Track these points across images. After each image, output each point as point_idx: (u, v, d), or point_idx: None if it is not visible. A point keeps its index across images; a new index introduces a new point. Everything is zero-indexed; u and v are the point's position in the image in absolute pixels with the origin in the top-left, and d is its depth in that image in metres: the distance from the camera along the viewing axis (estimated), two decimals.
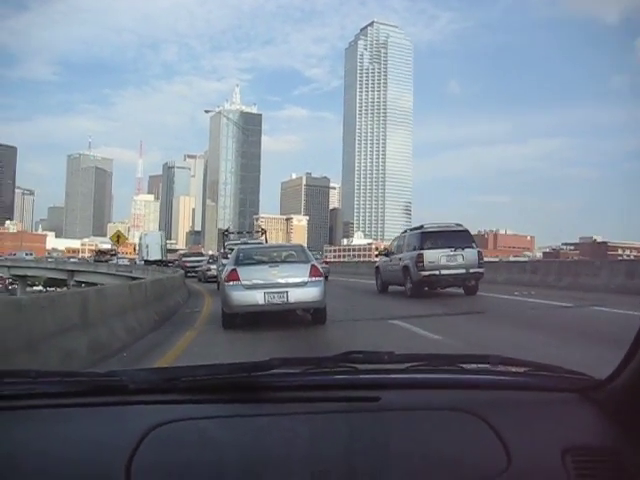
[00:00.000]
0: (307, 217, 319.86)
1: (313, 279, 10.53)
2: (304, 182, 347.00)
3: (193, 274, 36.29)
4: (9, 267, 67.76)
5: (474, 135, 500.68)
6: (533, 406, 1.54)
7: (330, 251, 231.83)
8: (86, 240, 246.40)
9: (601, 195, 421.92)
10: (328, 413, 1.46)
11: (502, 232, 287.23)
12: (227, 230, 37.82)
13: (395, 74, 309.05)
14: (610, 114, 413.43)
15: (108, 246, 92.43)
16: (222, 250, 26.12)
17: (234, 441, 1.39)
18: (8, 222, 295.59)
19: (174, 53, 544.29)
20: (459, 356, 1.96)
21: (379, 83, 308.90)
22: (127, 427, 1.41)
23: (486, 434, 1.40)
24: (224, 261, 18.40)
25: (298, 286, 10.38)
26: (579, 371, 1.71)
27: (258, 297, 10.26)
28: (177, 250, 72.25)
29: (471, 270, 16.45)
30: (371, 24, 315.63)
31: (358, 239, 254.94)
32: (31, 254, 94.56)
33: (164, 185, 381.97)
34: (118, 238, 32.61)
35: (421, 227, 18.20)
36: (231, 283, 10.53)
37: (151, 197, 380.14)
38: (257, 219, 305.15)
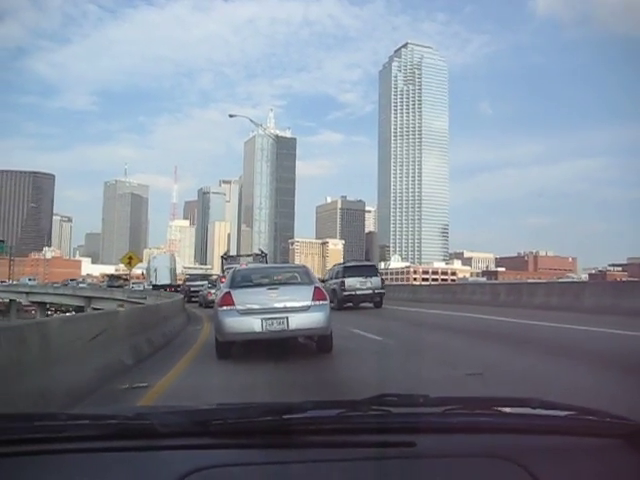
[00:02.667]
0: (343, 241, 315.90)
1: (317, 303, 9.57)
2: (339, 206, 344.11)
3: (195, 299, 33.93)
4: (27, 293, 65.27)
5: (511, 157, 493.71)
6: (575, 453, 1.46)
7: None
8: (121, 266, 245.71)
9: None
10: (363, 460, 1.42)
11: (542, 254, 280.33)
12: (226, 253, 35.36)
13: (430, 95, 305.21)
14: None
15: (139, 271, 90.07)
16: (222, 274, 24.46)
17: None
18: (46, 248, 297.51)
19: (210, 81, 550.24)
20: (497, 399, 1.85)
21: (414, 105, 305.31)
22: (159, 474, 1.38)
23: None
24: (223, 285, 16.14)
25: (300, 311, 9.42)
26: (623, 415, 1.63)
27: (255, 324, 9.24)
28: (211, 275, 68.07)
29: (376, 291, 23.64)
30: (405, 45, 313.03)
31: (395, 262, 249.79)
32: (34, 279, 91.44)
33: (199, 210, 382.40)
34: (130, 260, 28.53)
35: (344, 263, 27.67)
36: (225, 308, 9.48)
37: (186, 223, 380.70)
38: (292, 243, 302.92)
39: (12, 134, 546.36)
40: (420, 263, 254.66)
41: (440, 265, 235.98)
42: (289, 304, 9.43)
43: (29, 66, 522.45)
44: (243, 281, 10.43)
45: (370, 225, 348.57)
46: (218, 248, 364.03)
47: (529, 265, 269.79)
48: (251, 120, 48.40)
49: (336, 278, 24.18)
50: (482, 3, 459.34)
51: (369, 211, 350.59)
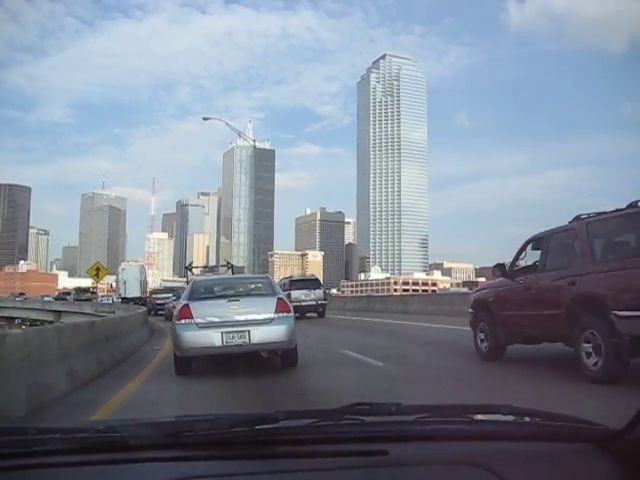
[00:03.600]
0: (322, 252, 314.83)
1: (280, 315, 9.14)
2: (319, 217, 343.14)
3: (162, 312, 31.90)
4: None
5: (490, 168, 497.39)
6: (547, 458, 1.48)
7: (347, 286, 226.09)
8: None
9: None
10: (336, 470, 1.41)
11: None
12: (190, 264, 34.99)
13: (408, 107, 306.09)
14: (628, 142, 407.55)
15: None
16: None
17: None
18: (22, 262, 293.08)
19: (187, 93, 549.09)
20: (468, 407, 1.85)
21: (392, 116, 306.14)
22: None
23: None
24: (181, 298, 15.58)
25: (262, 324, 8.98)
26: (593, 421, 1.64)
27: (214, 338, 8.76)
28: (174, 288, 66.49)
29: (319, 302, 26.38)
30: (383, 57, 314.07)
31: (375, 273, 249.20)
32: None
33: (178, 223, 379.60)
34: (97, 271, 26.80)
35: (290, 277, 31.08)
36: (182, 321, 8.97)
37: (165, 235, 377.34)
38: (272, 255, 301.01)
39: None
40: (400, 274, 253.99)
41: (420, 276, 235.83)
42: (251, 317, 9.01)
43: (5, 79, 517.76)
44: (203, 293, 10.04)
45: (350, 236, 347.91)
46: (197, 260, 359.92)
47: None
48: (227, 123, 47.01)
49: (283, 290, 26.09)
50: (459, 16, 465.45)
51: (348, 222, 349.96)
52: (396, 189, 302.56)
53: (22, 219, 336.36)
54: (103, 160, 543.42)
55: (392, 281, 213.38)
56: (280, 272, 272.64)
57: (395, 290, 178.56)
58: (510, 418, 1.68)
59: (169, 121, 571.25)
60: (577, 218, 8.13)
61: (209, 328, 8.88)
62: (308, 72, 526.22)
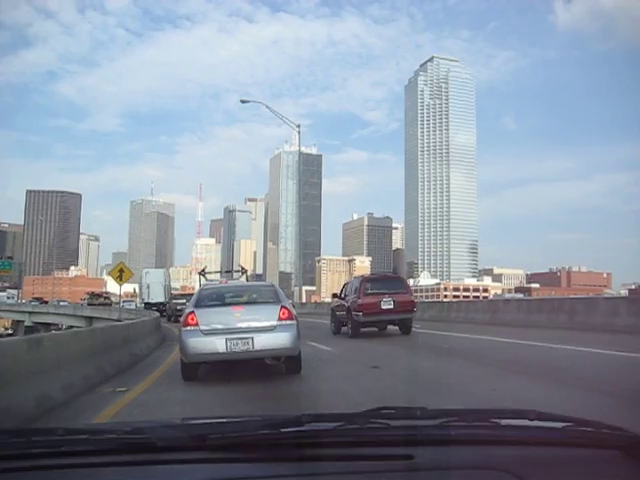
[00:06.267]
0: (370, 258, 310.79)
1: (283, 323, 9.33)
2: (366, 222, 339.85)
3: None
4: (30, 313, 61.77)
5: (538, 172, 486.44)
6: (573, 464, 1.47)
7: None
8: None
9: None
10: (361, 473, 1.42)
11: (575, 269, 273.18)
12: (204, 270, 32.82)
13: (457, 109, 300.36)
14: None
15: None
16: None
17: None
18: (73, 267, 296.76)
19: (235, 101, 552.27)
20: (494, 411, 1.88)
21: (441, 119, 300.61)
22: None
23: None
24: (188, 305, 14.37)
25: (265, 331, 9.22)
26: (620, 426, 1.63)
27: (218, 344, 9.06)
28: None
29: None
30: (431, 59, 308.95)
31: (425, 279, 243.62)
32: (12, 297, 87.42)
33: (225, 229, 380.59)
34: (121, 274, 23.84)
35: None
36: (188, 328, 9.24)
37: (212, 241, 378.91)
38: (319, 261, 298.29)
39: (42, 156, 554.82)
40: (449, 280, 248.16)
41: (471, 282, 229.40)
42: (254, 324, 9.16)
43: (59, 90, 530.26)
44: (208, 300, 10.10)
45: (397, 242, 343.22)
46: (244, 266, 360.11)
47: (562, 281, 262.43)
48: (267, 107, 43.88)
49: None
50: (506, 19, 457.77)
51: (396, 228, 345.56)
52: (445, 194, 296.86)
53: (73, 225, 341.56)
54: (152, 168, 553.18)
55: (442, 287, 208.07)
56: (327, 277, 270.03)
57: (445, 296, 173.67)
58: (536, 423, 1.66)
59: (217, 129, 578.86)
60: (357, 277, 21.14)
61: (213, 335, 9.02)
62: (354, 78, 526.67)
